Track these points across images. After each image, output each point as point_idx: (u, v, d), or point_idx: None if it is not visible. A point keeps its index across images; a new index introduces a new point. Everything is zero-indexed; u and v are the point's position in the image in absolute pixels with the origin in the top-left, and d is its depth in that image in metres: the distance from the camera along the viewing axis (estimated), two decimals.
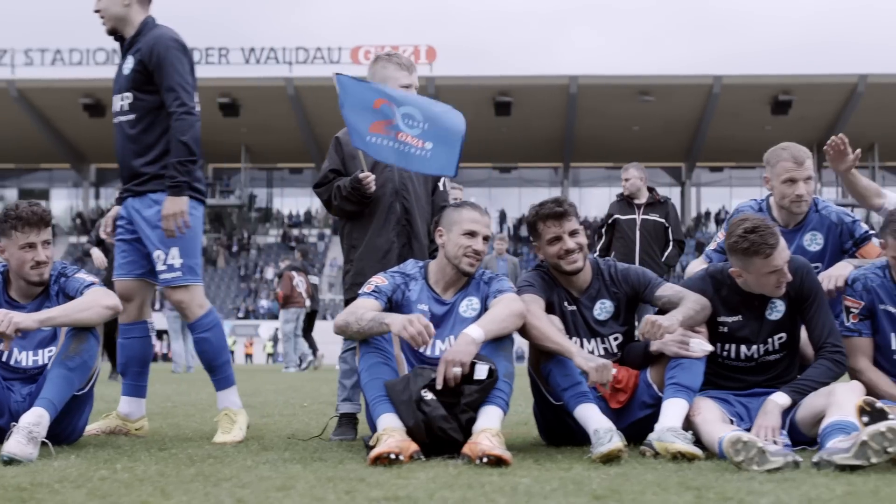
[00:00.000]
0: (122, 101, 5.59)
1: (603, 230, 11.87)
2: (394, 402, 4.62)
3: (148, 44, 5.50)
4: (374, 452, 4.29)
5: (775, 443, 4.86)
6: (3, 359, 5.13)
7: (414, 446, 4.43)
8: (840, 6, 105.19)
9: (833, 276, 5.48)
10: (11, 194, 59.59)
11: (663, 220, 11.55)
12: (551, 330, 4.97)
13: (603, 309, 5.37)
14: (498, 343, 4.86)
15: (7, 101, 49.20)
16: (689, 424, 4.88)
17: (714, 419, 4.82)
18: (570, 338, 5.29)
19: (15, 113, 50.12)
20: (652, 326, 4.89)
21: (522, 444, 5.30)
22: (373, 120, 5.48)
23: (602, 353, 5.34)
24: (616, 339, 5.35)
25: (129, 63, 5.54)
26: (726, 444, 4.27)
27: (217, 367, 5.63)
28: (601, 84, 50.57)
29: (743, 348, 5.32)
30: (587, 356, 4.82)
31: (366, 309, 4.89)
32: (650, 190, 11.82)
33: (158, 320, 38.97)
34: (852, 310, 5.38)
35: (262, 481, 3.75)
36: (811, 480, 3.84)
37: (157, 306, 40.13)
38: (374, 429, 4.68)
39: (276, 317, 40.61)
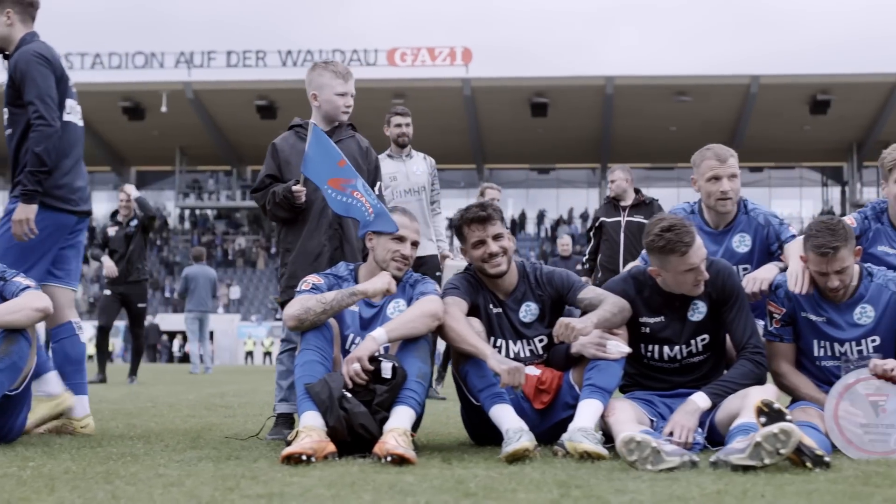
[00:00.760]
0: (4, 117, 5.81)
1: (591, 233, 11.95)
2: (315, 402, 4.74)
3: (14, 59, 5.74)
4: (285, 451, 4.42)
5: (695, 442, 4.97)
6: None
7: (330, 447, 4.54)
8: (879, 4, 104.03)
9: (757, 280, 5.54)
10: None
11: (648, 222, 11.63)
12: (467, 332, 5.08)
13: (528, 311, 5.46)
14: (412, 344, 5.00)
15: None
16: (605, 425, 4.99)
17: (626, 419, 4.90)
18: (496, 340, 5.42)
19: None
20: (565, 328, 5.00)
21: (453, 443, 5.42)
22: (334, 175, 5.58)
23: (528, 354, 5.44)
24: (541, 340, 5.44)
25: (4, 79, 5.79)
26: (619, 443, 4.36)
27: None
28: (637, 84, 50.45)
29: (666, 349, 5.40)
30: (500, 359, 4.92)
31: (315, 300, 5.04)
32: (636, 191, 11.91)
33: (172, 322, 39.18)
34: (775, 315, 5.45)
35: (157, 478, 3.87)
36: (690, 479, 3.92)
37: (168, 309, 40.25)
38: None
39: None
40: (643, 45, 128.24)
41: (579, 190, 60.25)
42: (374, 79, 50.03)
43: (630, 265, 5.88)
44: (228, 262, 56.32)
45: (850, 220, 5.78)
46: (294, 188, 5.69)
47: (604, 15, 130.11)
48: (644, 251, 5.96)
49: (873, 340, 5.32)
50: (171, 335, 48.73)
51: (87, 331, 15.46)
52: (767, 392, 5.00)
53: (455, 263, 9.39)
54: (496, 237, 5.35)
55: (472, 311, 5.40)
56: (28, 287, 5.32)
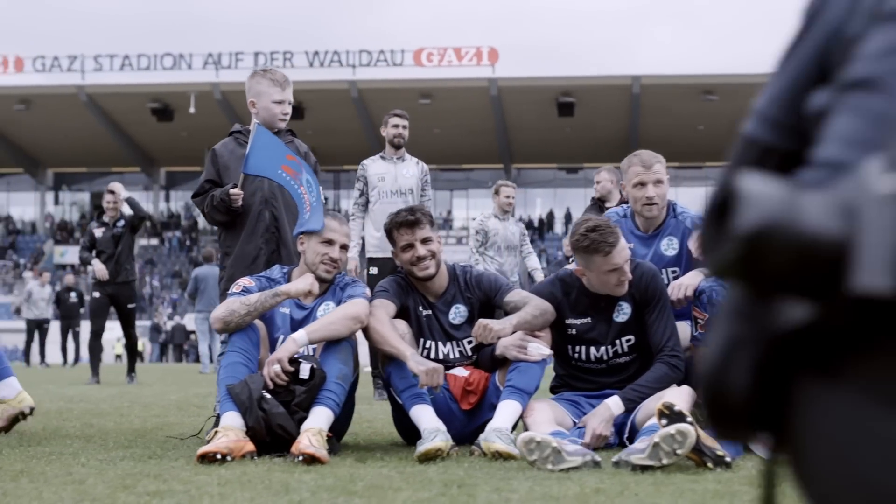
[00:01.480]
0: None
1: None
2: (235, 402, 4.88)
3: None
4: (200, 450, 4.55)
5: (609, 444, 5.08)
6: None
7: (249, 446, 4.68)
8: None
9: (682, 286, 5.62)
10: (84, 198, 60.81)
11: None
12: (390, 334, 5.19)
13: (457, 313, 5.58)
14: (334, 346, 5.13)
15: (77, 106, 50.29)
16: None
17: (543, 420, 5.00)
18: (426, 341, 5.55)
19: (85, 118, 51.23)
20: (483, 330, 5.12)
21: (387, 443, 5.54)
22: (285, 164, 5.72)
23: (457, 356, 5.56)
24: (470, 342, 5.54)
25: None
26: (519, 443, 4.47)
27: None
28: (664, 84, 50.34)
29: (592, 350, 5.50)
30: (419, 360, 5.04)
31: (239, 302, 5.18)
32: (621, 193, 11.94)
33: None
34: (699, 320, 5.54)
35: (63, 477, 3.99)
36: (576, 479, 4.02)
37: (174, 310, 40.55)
38: None
39: None
40: (675, 44, 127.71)
41: None
42: (400, 79, 50.24)
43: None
44: None
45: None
46: (231, 191, 5.83)
47: (636, 14, 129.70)
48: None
49: None
50: (187, 334, 49.04)
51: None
52: (682, 394, 5.08)
53: None
54: (424, 241, 5.46)
55: (403, 313, 5.52)
56: None
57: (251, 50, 52.07)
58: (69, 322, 23.38)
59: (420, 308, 5.58)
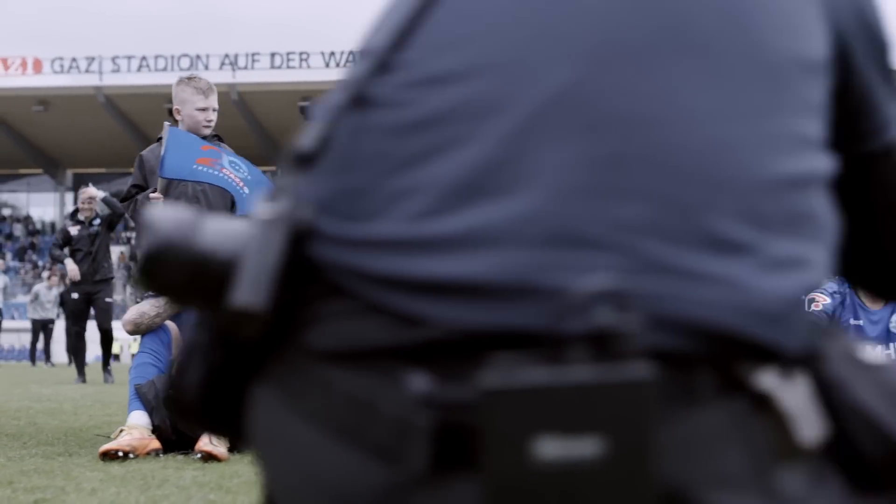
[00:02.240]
0: None
1: None
2: (142, 402, 5.00)
3: None
4: (104, 447, 4.68)
5: None
6: None
7: (154, 444, 4.81)
8: None
9: None
10: None
11: None
12: None
13: None
14: None
15: (96, 108, 50.62)
16: None
17: None
18: None
19: (103, 119, 51.54)
20: None
21: None
22: (201, 156, 5.82)
23: None
24: None
25: None
26: None
27: None
28: None
29: None
30: None
31: (150, 304, 5.29)
32: None
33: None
34: None
35: None
36: None
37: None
38: None
39: None
40: None
41: None
42: None
43: None
44: None
45: None
46: (151, 195, 5.94)
47: None
48: None
49: None
50: None
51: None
52: None
53: None
54: None
55: None
56: None
57: (267, 51, 52.33)
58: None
59: None
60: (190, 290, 0.95)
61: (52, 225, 59.82)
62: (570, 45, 0.94)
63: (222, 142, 6.44)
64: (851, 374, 0.93)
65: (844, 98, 1.11)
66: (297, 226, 0.91)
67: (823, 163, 0.98)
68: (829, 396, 0.92)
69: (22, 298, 51.26)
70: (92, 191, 13.79)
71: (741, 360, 0.85)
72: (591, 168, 0.88)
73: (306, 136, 1.00)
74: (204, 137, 6.27)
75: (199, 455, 4.65)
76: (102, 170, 59.74)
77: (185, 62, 51.12)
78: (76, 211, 13.82)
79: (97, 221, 13.49)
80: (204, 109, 6.25)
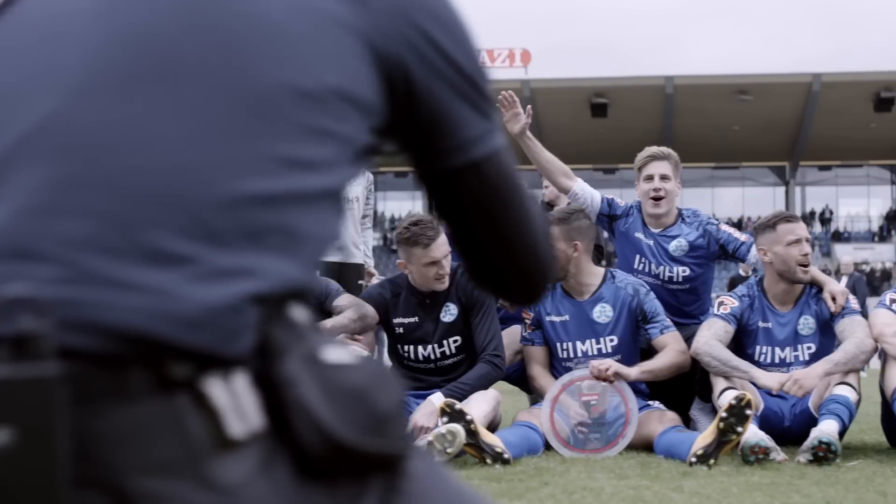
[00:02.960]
0: None
1: None
2: None
3: None
4: None
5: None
6: None
7: None
8: None
9: None
10: None
11: None
12: None
13: None
14: None
15: None
16: None
17: None
18: None
19: None
20: None
21: None
22: None
23: None
24: None
25: None
26: None
27: None
28: (697, 84, 50.11)
29: (420, 349, 5.74)
30: None
31: None
32: None
33: None
34: (526, 321, 5.78)
35: None
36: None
37: None
38: None
39: None
40: (725, 43, 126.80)
41: None
42: None
43: None
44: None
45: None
46: None
47: (685, 11, 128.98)
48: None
49: (611, 340, 5.61)
50: None
51: None
52: (486, 398, 5.35)
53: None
54: None
55: None
56: None
57: None
58: None
59: None
60: None
61: None
62: (60, 78, 1.04)
63: None
64: (303, 372, 0.99)
65: (414, 117, 1.18)
66: None
67: (319, 181, 1.06)
68: (277, 393, 1.03)
69: None
70: None
71: (175, 361, 0.93)
72: (51, 189, 0.97)
73: None
74: None
75: None
76: None
77: None
78: None
79: None
80: None
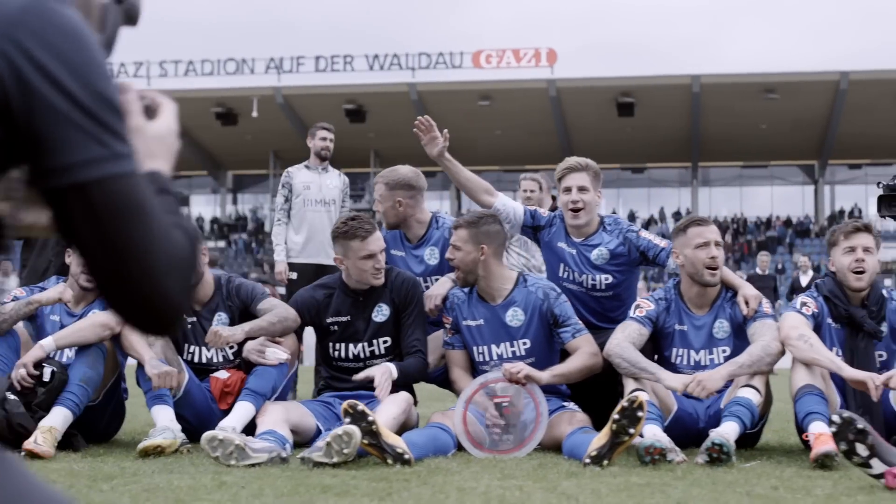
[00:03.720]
0: None
1: None
2: None
3: None
4: None
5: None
6: None
7: None
8: None
9: (430, 296, 6.03)
10: None
11: None
12: (137, 340, 5.60)
13: (220, 320, 5.96)
14: (84, 351, 5.55)
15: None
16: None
17: (273, 421, 5.37)
18: (190, 346, 5.95)
19: None
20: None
21: None
22: None
23: (221, 360, 5.95)
24: (232, 347, 5.92)
25: None
26: (203, 441, 4.86)
27: None
28: (723, 83, 49.90)
29: (351, 347, 5.89)
30: (155, 364, 5.44)
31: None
32: (554, 199, 12.10)
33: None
34: (446, 325, 5.90)
35: None
36: (235, 472, 4.45)
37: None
38: None
39: None
40: (763, 42, 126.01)
41: (671, 189, 59.87)
42: (459, 81, 50.51)
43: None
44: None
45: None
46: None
47: (722, 9, 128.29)
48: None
49: (524, 343, 5.72)
50: None
51: None
52: (396, 400, 5.49)
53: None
54: None
55: None
56: None
57: (312, 54, 52.43)
58: None
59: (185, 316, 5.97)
60: None
61: None
62: None
63: None
64: None
65: (16, 135, 1.28)
66: None
67: None
68: None
69: None
70: None
71: None
72: None
73: None
74: None
75: (23, 453, 4.95)
76: None
77: (231, 66, 51.79)
78: None
79: None
80: None
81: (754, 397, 5.33)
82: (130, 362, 5.80)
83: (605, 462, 4.83)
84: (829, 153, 55.60)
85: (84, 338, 5.55)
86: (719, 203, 58.65)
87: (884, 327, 5.63)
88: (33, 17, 1.28)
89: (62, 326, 5.76)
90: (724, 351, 5.74)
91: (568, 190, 6.25)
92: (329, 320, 5.93)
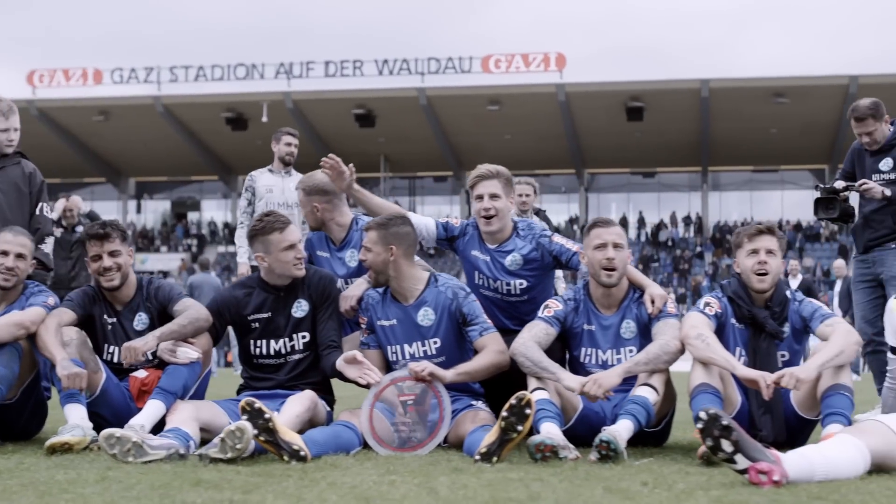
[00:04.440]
0: None
1: None
2: None
3: None
4: None
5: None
6: None
7: None
8: None
9: (346, 297, 6.16)
10: (165, 206, 62.37)
11: None
12: (51, 341, 5.69)
13: (140, 321, 6.07)
14: (0, 350, 5.66)
15: (154, 117, 51.65)
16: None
17: (182, 419, 5.47)
18: (109, 347, 6.07)
19: (162, 128, 52.57)
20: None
21: None
22: None
23: (141, 359, 6.05)
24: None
25: None
26: (100, 439, 4.98)
27: None
28: (732, 87, 49.84)
29: (272, 343, 6.01)
30: (65, 365, 5.54)
31: None
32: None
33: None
34: (363, 325, 6.02)
35: None
36: (151, 467, 4.57)
37: None
38: None
39: None
40: (779, 46, 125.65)
41: (681, 194, 59.80)
42: (468, 86, 50.62)
43: None
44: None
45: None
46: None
47: (742, 14, 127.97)
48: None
49: (435, 342, 5.83)
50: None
51: None
52: (300, 399, 5.61)
53: None
54: (112, 253, 5.98)
55: (88, 322, 6.05)
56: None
57: (321, 59, 52.78)
58: None
59: (105, 316, 6.09)
60: None
61: None
62: None
63: (25, 157, 6.89)
64: None
65: None
66: None
67: None
68: None
69: None
70: (77, 201, 14.33)
71: None
72: None
73: None
74: (4, 156, 6.75)
75: None
76: (164, 178, 60.90)
77: (240, 71, 52.03)
78: (61, 218, 14.34)
79: (79, 229, 13.97)
80: (6, 130, 6.75)
81: (650, 396, 5.42)
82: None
83: (495, 459, 4.92)
84: (840, 157, 55.17)
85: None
86: (730, 207, 58.59)
87: (786, 328, 5.70)
88: None
89: None
90: (630, 351, 5.82)
91: (480, 198, 6.36)
92: (251, 317, 6.06)
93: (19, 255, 5.99)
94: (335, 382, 6.18)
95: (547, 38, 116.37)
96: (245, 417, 4.92)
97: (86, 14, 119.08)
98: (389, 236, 5.87)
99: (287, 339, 6.02)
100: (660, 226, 57.24)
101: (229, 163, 58.33)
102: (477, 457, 4.94)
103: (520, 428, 4.93)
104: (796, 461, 4.26)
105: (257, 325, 6.05)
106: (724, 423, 4.20)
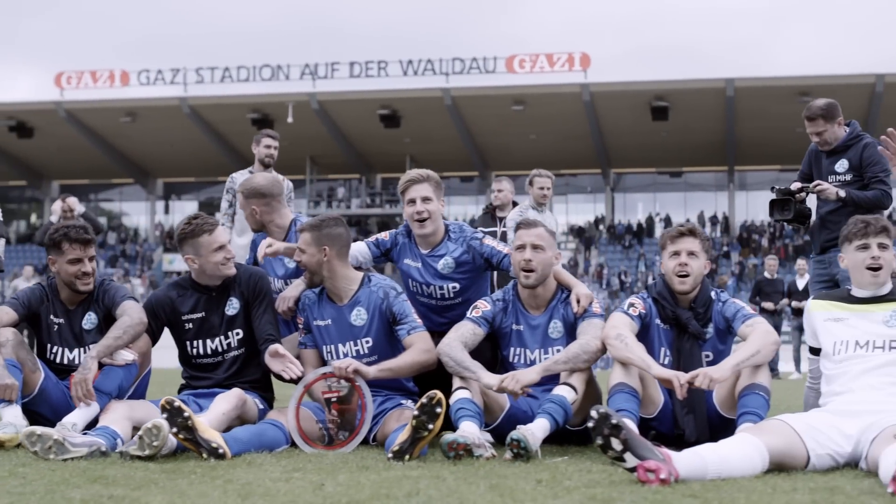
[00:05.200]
0: None
1: None
2: None
3: None
4: None
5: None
6: None
7: None
8: None
9: (284, 298, 6.26)
10: (192, 206, 62.64)
11: None
12: None
13: (89, 321, 6.19)
14: None
15: (181, 118, 52.00)
16: None
17: (116, 418, 5.57)
18: (54, 347, 6.18)
19: (189, 129, 52.91)
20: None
21: None
22: None
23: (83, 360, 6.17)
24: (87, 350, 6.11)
25: None
26: (21, 436, 5.10)
27: None
28: (758, 86, 49.63)
29: (209, 342, 6.12)
30: (1, 374, 5.66)
31: None
32: (514, 204, 12.28)
33: None
34: (300, 325, 6.12)
35: None
36: (70, 465, 4.67)
37: None
38: None
39: None
40: (809, 45, 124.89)
41: (708, 193, 59.59)
42: (493, 86, 50.65)
43: None
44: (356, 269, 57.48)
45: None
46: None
47: (777, 13, 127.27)
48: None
49: (367, 341, 5.92)
50: None
51: None
52: (228, 397, 5.71)
53: None
54: (91, 259, 6.10)
55: (34, 320, 6.17)
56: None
57: (346, 60, 53.05)
58: None
59: (52, 316, 6.20)
60: None
61: (135, 231, 61.49)
62: None
63: None
64: None
65: None
66: None
67: None
68: None
69: None
70: (74, 202, 14.48)
71: None
72: None
73: None
74: None
75: None
76: (192, 179, 61.26)
77: (266, 72, 52.28)
78: (60, 219, 14.49)
79: None
80: None
81: (568, 394, 5.49)
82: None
83: (407, 457, 5.01)
84: None
85: None
86: (757, 207, 58.22)
87: (710, 328, 5.76)
88: None
89: None
90: (558, 350, 5.89)
91: (412, 202, 6.45)
92: (185, 317, 6.17)
93: None
94: (281, 384, 6.27)
95: (576, 37, 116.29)
96: (164, 416, 5.03)
97: (113, 17, 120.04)
98: (323, 237, 5.98)
99: (222, 337, 6.14)
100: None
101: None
102: (389, 455, 5.04)
103: (430, 426, 5.01)
104: (689, 460, 4.31)
105: (191, 325, 6.18)
106: (614, 421, 4.26)
